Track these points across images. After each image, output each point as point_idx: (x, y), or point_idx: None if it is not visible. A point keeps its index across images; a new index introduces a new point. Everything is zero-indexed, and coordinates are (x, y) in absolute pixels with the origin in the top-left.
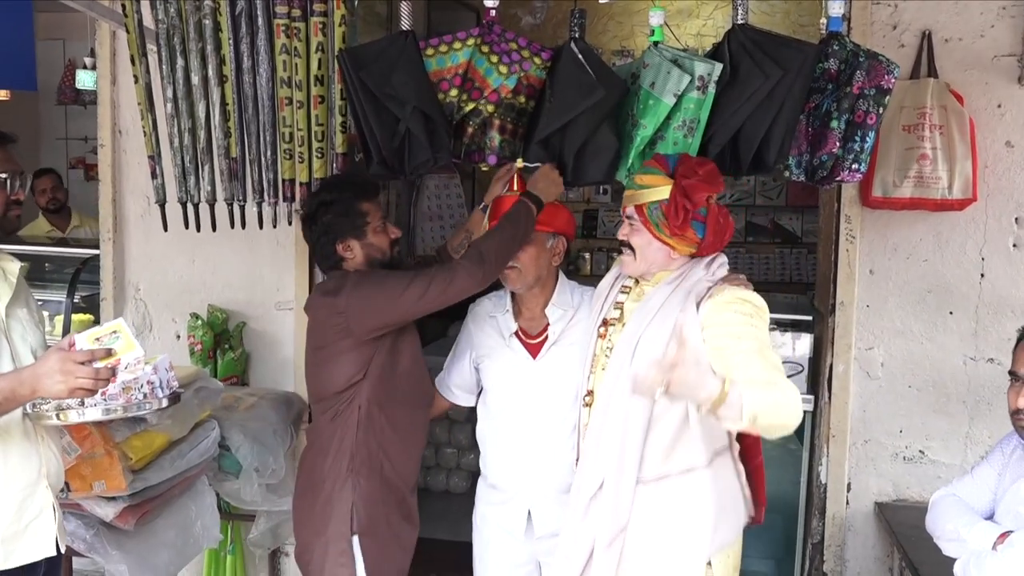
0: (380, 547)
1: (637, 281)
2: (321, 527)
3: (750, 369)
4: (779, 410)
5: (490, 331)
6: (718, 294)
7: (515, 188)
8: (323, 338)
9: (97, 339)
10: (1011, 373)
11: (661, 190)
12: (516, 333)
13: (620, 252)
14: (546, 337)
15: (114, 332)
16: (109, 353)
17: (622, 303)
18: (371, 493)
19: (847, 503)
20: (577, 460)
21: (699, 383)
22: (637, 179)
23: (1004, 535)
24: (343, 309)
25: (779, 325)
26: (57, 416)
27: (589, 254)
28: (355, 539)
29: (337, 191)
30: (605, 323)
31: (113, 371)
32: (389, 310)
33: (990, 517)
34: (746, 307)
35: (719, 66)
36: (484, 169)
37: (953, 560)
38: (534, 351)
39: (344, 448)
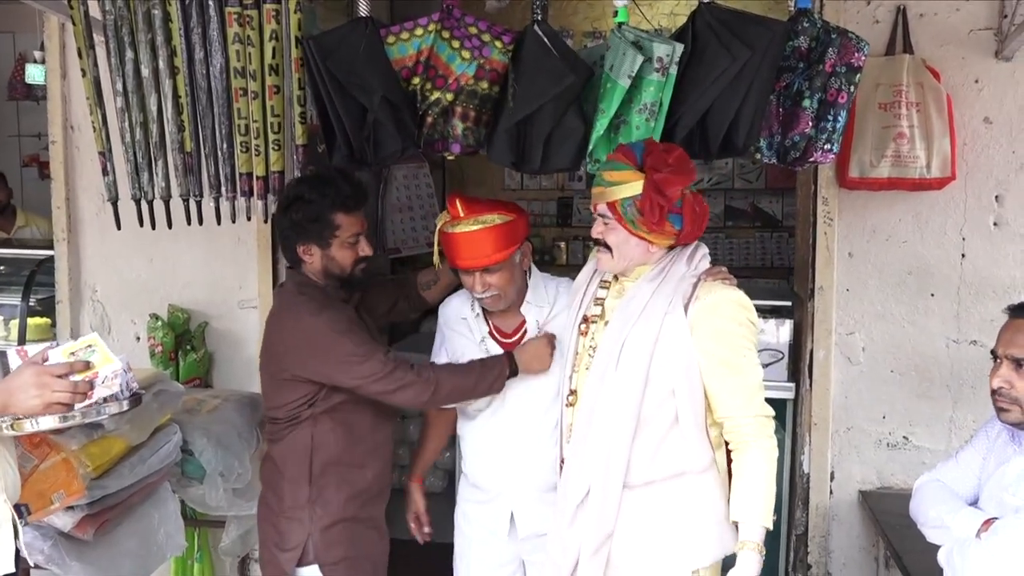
0: (348, 569)
1: (616, 276)
2: (280, 548)
3: (737, 427)
4: (772, 484)
5: (463, 331)
6: (705, 295)
7: (460, 215)
8: (275, 361)
9: (72, 353)
10: (993, 353)
11: (633, 185)
12: (490, 333)
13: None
14: (523, 334)
15: (89, 346)
16: (87, 366)
17: (603, 299)
18: (334, 516)
19: (831, 492)
20: (562, 464)
21: None
22: (605, 175)
23: (988, 522)
24: (286, 351)
25: (759, 312)
26: (12, 427)
27: (564, 243)
28: (313, 568)
29: (317, 192)
30: (586, 320)
31: (91, 384)
32: (327, 374)
33: (975, 502)
34: (736, 312)
35: (679, 47)
36: (449, 158)
37: (938, 548)
38: (510, 350)
39: (300, 475)
